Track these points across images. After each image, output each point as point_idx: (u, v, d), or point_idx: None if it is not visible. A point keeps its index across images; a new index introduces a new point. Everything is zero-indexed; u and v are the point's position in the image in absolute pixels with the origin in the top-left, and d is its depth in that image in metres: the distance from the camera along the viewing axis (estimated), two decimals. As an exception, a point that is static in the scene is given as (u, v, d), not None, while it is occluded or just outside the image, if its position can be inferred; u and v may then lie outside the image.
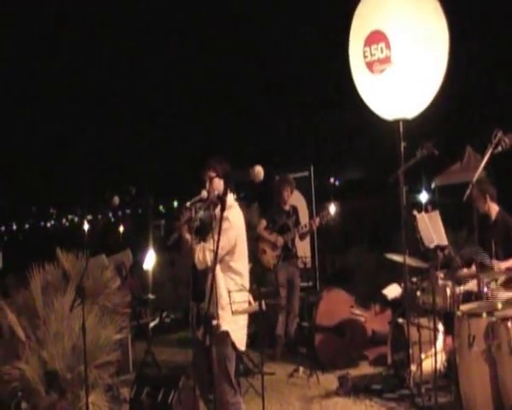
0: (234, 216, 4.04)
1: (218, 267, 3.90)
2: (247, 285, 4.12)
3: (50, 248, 6.13)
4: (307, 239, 7.82)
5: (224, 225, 3.80)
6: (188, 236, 4.04)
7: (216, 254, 3.25)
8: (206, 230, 4.12)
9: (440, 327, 5.17)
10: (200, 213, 4.08)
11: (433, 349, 4.91)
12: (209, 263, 3.94)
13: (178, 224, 4.05)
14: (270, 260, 6.91)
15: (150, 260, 7.21)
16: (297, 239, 7.14)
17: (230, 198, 4.08)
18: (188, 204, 4.00)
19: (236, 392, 4.01)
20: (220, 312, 3.85)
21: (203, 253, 3.96)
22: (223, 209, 3.38)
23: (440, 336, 5.14)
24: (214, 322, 3.70)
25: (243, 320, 4.08)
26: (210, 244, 3.90)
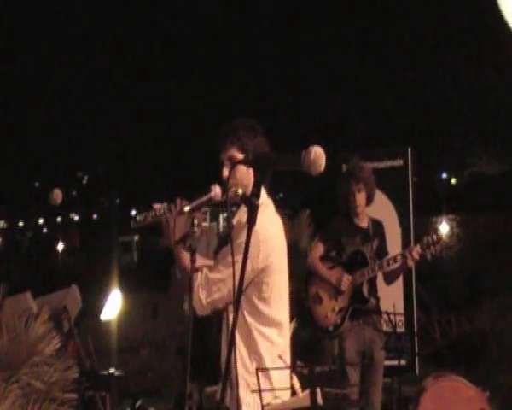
0: (262, 222, 3.94)
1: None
2: (288, 358, 4.12)
3: None
4: (399, 282, 7.80)
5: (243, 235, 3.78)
6: (187, 261, 4.06)
7: (239, 289, 3.27)
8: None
9: None
10: (204, 225, 4.10)
11: None
12: (218, 303, 4.00)
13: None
14: (328, 315, 6.93)
15: (114, 306, 7.27)
16: (380, 281, 7.14)
17: (262, 196, 4.08)
18: (187, 209, 4.03)
19: None
20: (244, 406, 3.87)
21: (207, 286, 4.00)
22: (252, 220, 3.38)
23: None
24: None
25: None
26: (219, 272, 3.98)
